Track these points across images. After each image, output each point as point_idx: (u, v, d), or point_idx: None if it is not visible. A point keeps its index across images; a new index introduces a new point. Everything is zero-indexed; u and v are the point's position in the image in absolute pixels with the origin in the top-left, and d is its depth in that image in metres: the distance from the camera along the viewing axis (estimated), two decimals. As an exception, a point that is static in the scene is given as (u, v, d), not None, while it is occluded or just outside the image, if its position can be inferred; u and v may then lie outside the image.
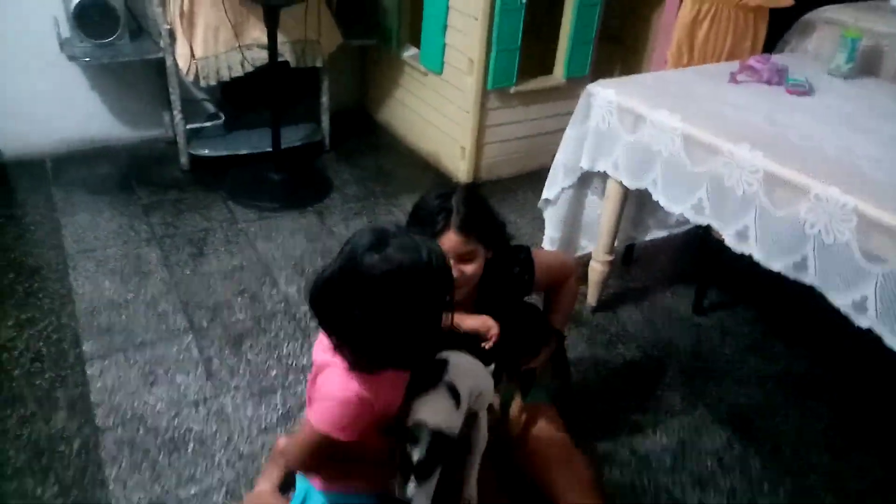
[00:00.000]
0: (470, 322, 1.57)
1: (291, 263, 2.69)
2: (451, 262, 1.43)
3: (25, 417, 1.94)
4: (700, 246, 2.85)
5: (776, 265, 1.76)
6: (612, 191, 2.29)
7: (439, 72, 3.31)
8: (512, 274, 1.69)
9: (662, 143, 2.00)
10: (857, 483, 1.96)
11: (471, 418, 1.34)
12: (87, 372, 2.11)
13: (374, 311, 1.12)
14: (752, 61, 2.34)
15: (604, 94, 2.17)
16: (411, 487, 1.17)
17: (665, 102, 2.07)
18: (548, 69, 3.38)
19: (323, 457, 1.27)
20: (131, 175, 3.27)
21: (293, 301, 2.49)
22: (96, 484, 1.76)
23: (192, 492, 1.75)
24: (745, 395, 2.24)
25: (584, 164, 2.27)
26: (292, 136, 3.45)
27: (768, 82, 2.29)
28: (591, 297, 2.53)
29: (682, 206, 1.99)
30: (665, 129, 1.99)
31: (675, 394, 2.22)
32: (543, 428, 1.72)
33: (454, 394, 1.25)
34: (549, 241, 2.51)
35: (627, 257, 2.87)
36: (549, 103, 3.39)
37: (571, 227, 2.54)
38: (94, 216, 2.92)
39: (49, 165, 3.28)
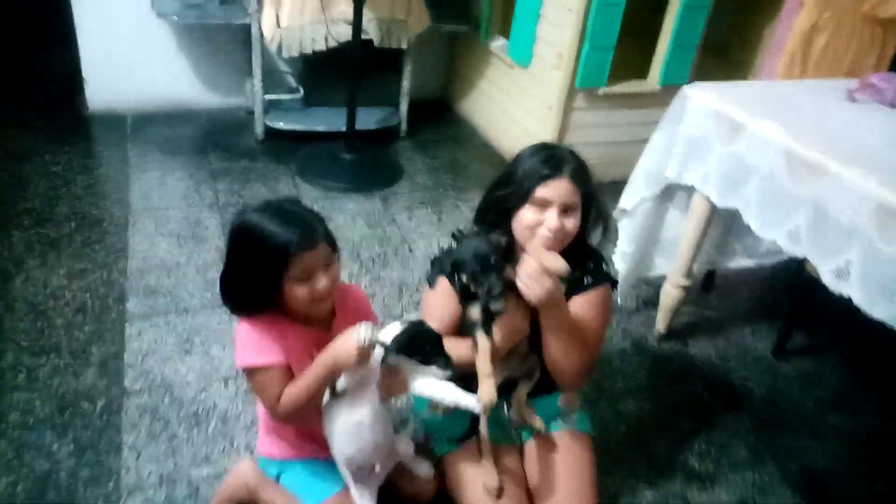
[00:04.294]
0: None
1: (348, 247, 2.59)
2: (555, 211, 1.41)
3: (58, 368, 1.92)
4: (791, 281, 2.58)
5: (879, 312, 1.52)
6: (698, 206, 2.07)
7: (527, 65, 3.15)
8: (581, 268, 1.50)
9: (761, 158, 1.78)
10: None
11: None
12: (126, 331, 2.07)
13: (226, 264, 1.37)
14: (874, 79, 2.09)
15: (701, 97, 1.97)
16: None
17: (769, 112, 1.84)
18: (643, 73, 3.16)
19: (282, 395, 1.33)
20: (206, 140, 3.27)
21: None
22: (111, 449, 1.70)
23: (205, 472, 1.67)
24: (823, 455, 1.99)
25: (670, 174, 2.07)
26: (369, 119, 3.37)
27: (891, 104, 2.03)
28: (661, 323, 2.32)
29: (776, 231, 1.76)
30: (766, 141, 1.77)
31: (742, 444, 1.99)
32: (559, 468, 1.51)
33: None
34: (621, 255, 2.30)
35: (707, 284, 2.63)
36: (640, 110, 3.17)
37: (647, 242, 2.33)
38: (163, 175, 2.93)
39: (130, 122, 3.33)
